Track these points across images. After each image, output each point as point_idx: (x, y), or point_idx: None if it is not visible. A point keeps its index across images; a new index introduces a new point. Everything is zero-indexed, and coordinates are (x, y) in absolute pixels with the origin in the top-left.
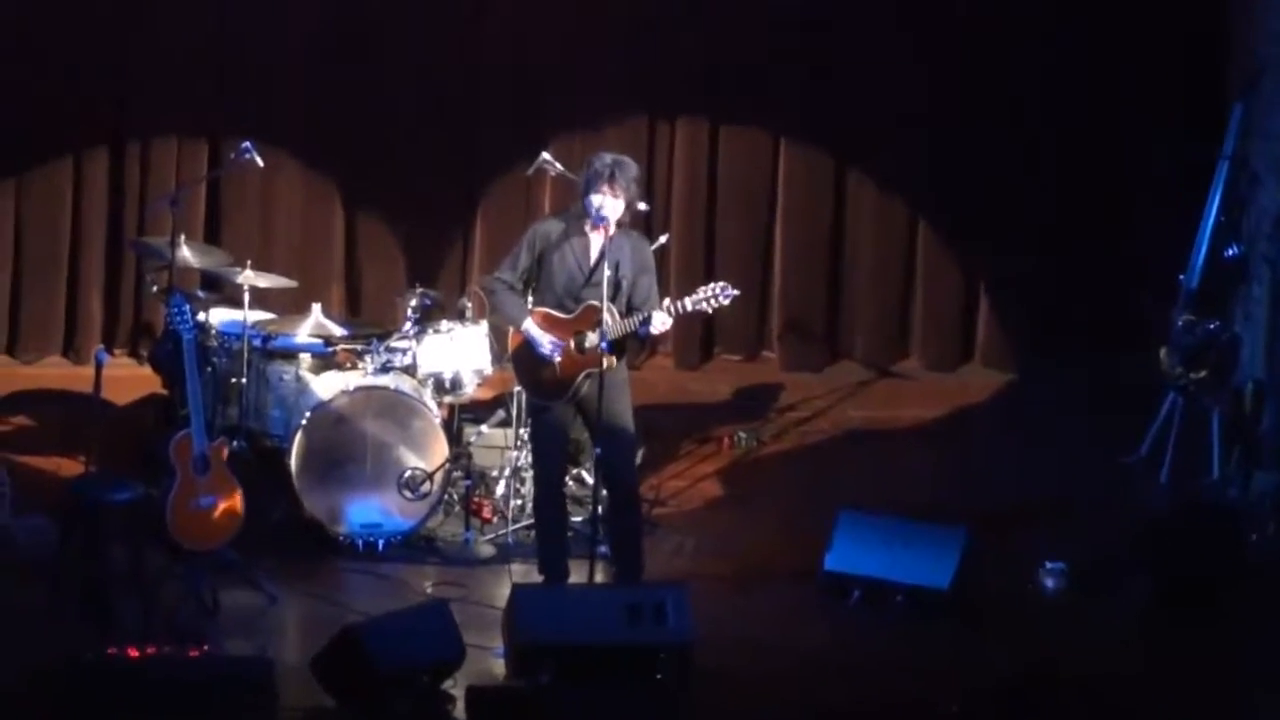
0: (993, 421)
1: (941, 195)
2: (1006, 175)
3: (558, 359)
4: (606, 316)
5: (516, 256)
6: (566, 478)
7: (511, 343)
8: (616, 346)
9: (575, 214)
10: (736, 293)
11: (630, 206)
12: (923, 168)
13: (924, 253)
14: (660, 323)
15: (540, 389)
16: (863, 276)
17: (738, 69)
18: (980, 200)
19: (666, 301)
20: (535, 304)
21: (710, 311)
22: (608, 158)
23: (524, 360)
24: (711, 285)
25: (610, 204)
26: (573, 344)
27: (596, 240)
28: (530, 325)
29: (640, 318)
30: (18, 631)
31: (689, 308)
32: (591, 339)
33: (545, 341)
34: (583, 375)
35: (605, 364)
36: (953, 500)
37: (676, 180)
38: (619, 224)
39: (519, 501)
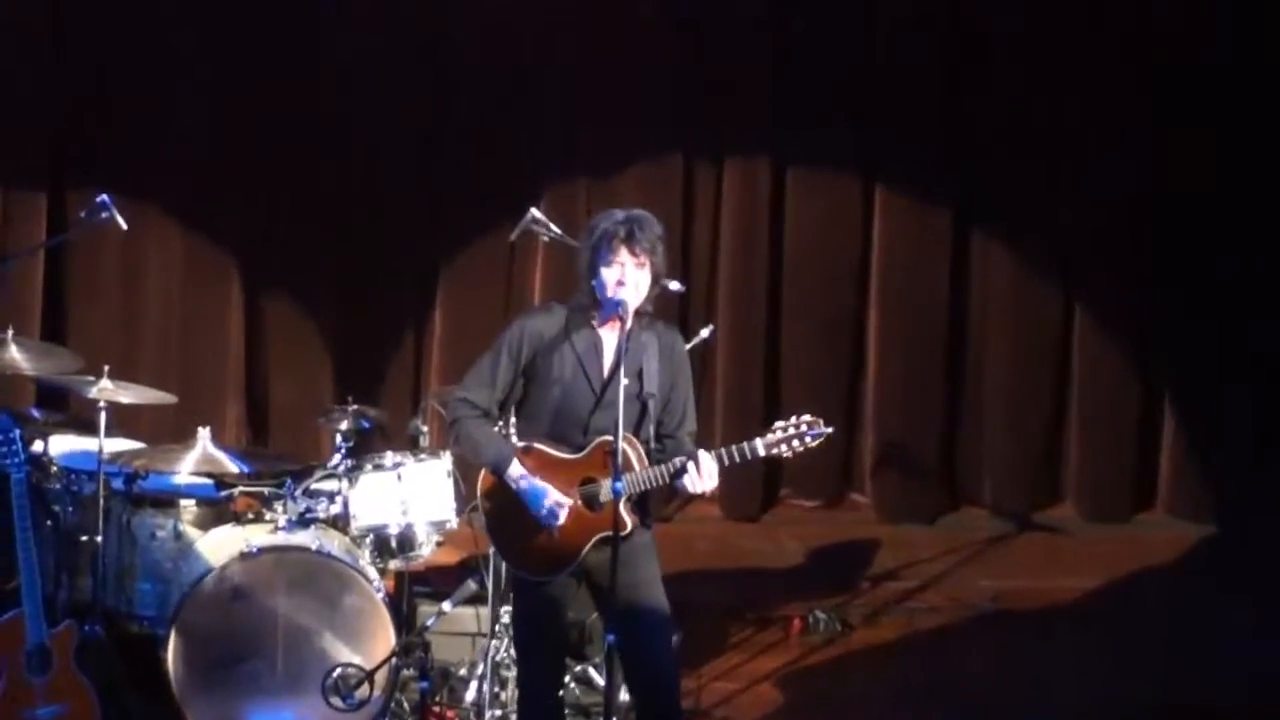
0: (1182, 593)
1: (1110, 268)
2: (1210, 242)
3: (558, 522)
4: (630, 454)
5: (493, 367)
6: (566, 677)
7: (483, 487)
8: (641, 500)
9: (579, 304)
10: (829, 431)
11: (656, 282)
12: (1083, 228)
13: (1082, 352)
14: (707, 477)
15: (529, 558)
16: (993, 388)
17: (813, 86)
18: (1168, 278)
19: (722, 448)
20: (521, 433)
21: (790, 456)
22: (619, 214)
23: (505, 516)
24: (793, 421)
25: (632, 276)
26: (579, 499)
27: (610, 338)
28: (516, 472)
29: (674, 466)
30: None
31: (761, 453)
32: (606, 490)
33: (542, 499)
34: (593, 541)
35: (628, 525)
36: (1126, 705)
37: (725, 246)
38: (638, 313)
39: (498, 712)
